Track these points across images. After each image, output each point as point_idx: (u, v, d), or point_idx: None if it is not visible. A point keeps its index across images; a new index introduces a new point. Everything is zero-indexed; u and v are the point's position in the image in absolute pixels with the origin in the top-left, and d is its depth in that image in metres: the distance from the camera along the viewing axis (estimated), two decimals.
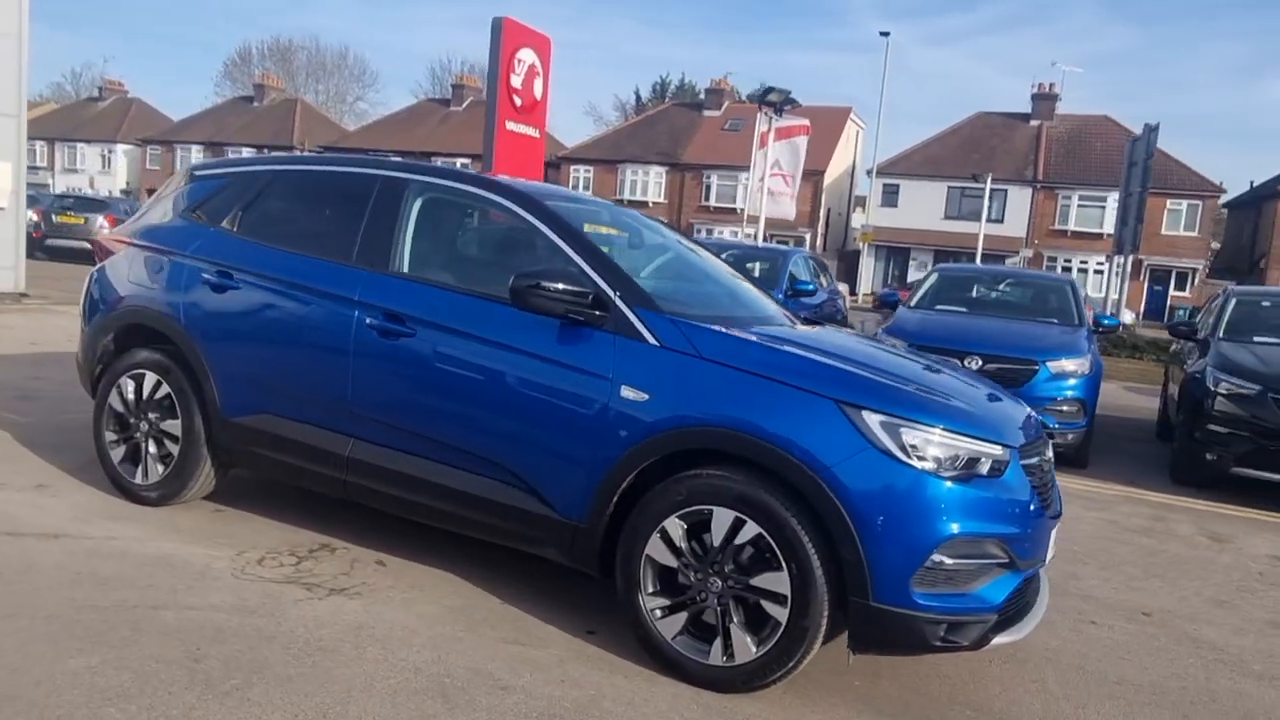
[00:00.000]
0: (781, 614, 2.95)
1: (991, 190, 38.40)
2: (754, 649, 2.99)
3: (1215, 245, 38.19)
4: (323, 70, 73.63)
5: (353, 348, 3.70)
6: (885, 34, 33.34)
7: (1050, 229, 37.07)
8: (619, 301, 3.32)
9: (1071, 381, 7.32)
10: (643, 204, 41.94)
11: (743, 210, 43.38)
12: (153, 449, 4.27)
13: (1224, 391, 6.90)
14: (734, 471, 3.03)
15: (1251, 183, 40.67)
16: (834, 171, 43.41)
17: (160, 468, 4.25)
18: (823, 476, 2.87)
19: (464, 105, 51.65)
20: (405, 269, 3.77)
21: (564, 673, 3.09)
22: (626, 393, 3.18)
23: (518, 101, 21.72)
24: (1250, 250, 36.58)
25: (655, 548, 3.13)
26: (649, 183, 44.63)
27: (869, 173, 40.90)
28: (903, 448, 2.89)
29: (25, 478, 4.56)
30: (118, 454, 4.37)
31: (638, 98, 69.08)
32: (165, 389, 4.20)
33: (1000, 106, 40.82)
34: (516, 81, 21.93)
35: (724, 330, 3.32)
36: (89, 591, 3.34)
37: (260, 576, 3.62)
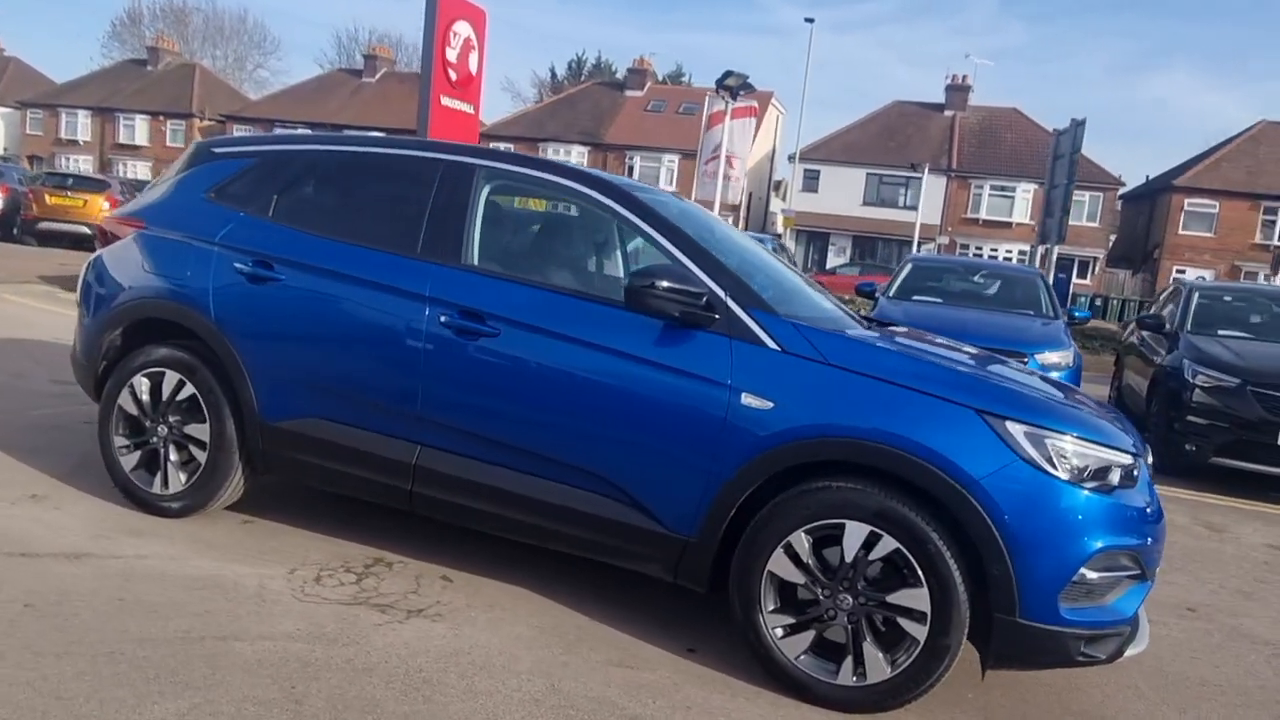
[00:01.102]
0: (920, 632, 2.84)
1: (908, 178, 39.39)
2: (888, 668, 2.88)
3: (1112, 236, 40.06)
4: (220, 35, 69.92)
5: (424, 348, 3.41)
6: (810, 20, 33.63)
7: (963, 217, 38.24)
8: (731, 303, 3.13)
9: (1056, 374, 7.46)
10: None
11: (668, 192, 43.39)
12: (174, 455, 3.87)
13: (1202, 384, 7.15)
14: (867, 484, 2.90)
15: (1147, 176, 42.88)
16: (755, 156, 43.72)
17: (183, 476, 3.86)
18: (972, 491, 2.76)
19: (377, 77, 49.89)
20: (476, 262, 3.49)
21: (684, 698, 2.92)
22: (748, 400, 3.01)
23: (453, 76, 21.04)
24: (1145, 241, 38.56)
25: (779, 563, 2.98)
26: (569, 163, 44.03)
27: (790, 158, 41.34)
28: (1049, 459, 2.81)
29: (14, 488, 4.09)
30: (130, 461, 3.95)
31: (553, 75, 68.12)
32: (189, 389, 3.81)
33: (904, 95, 41.86)
34: (452, 55, 21.24)
35: (847, 334, 3.18)
36: (142, 622, 2.99)
37: (324, 598, 3.32)
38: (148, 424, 3.91)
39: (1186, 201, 35.89)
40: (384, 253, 3.57)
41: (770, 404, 2.98)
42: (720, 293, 3.15)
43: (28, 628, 2.87)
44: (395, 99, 47.95)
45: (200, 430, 3.81)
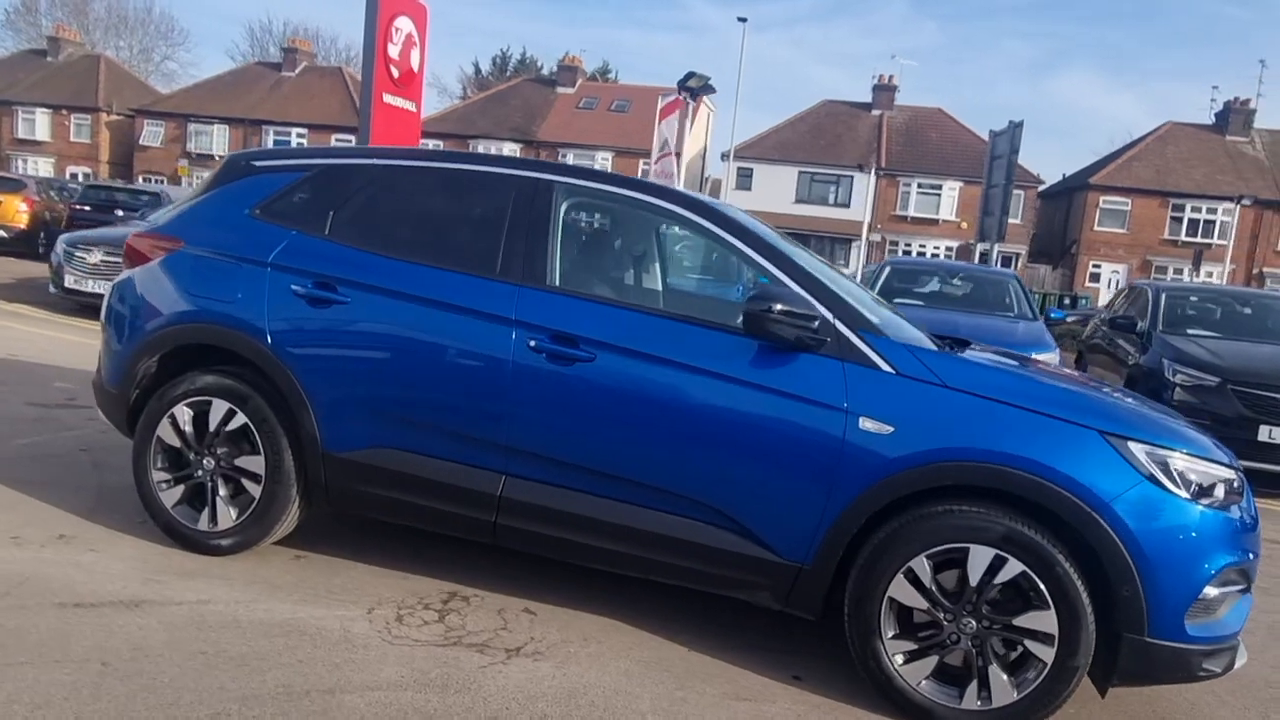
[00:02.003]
0: (1048, 654, 2.84)
1: (839, 176, 40.09)
2: (1015, 692, 2.87)
3: (1032, 233, 41.50)
4: (124, 25, 66.74)
5: (511, 374, 3.26)
6: (743, 19, 33.81)
7: (892, 214, 39.09)
8: (840, 325, 3.08)
9: None
10: None
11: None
12: (222, 489, 3.64)
13: (1183, 383, 7.42)
14: (990, 507, 2.89)
15: (1064, 174, 44.54)
16: (688, 154, 43.92)
17: (233, 511, 3.63)
18: (1102, 514, 2.77)
19: (297, 71, 48.34)
20: (560, 283, 3.36)
21: None
22: (866, 425, 2.96)
23: (395, 73, 20.53)
24: (1063, 237, 40.05)
25: (900, 589, 2.94)
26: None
27: (723, 156, 41.61)
28: (1171, 478, 2.84)
29: (36, 528, 3.78)
30: (171, 496, 3.69)
31: (478, 70, 67.20)
32: (240, 419, 3.57)
33: (820, 94, 42.52)
34: (394, 51, 20.72)
35: (961, 356, 3.16)
36: (236, 676, 2.78)
37: (414, 639, 3.15)
38: (192, 456, 3.66)
39: (1101, 199, 37.40)
40: (461, 274, 3.41)
41: (890, 428, 2.94)
42: (828, 315, 3.09)
43: (114, 691, 2.64)
44: (317, 94, 46.60)
45: (253, 462, 3.58)
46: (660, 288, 3.56)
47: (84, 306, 9.94)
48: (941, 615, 2.92)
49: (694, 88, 13.61)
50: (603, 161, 42.96)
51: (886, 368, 3.02)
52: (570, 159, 43.02)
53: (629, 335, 3.20)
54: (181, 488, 3.69)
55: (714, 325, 3.20)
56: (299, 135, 44.65)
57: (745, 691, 3.06)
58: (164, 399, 3.67)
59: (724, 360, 3.11)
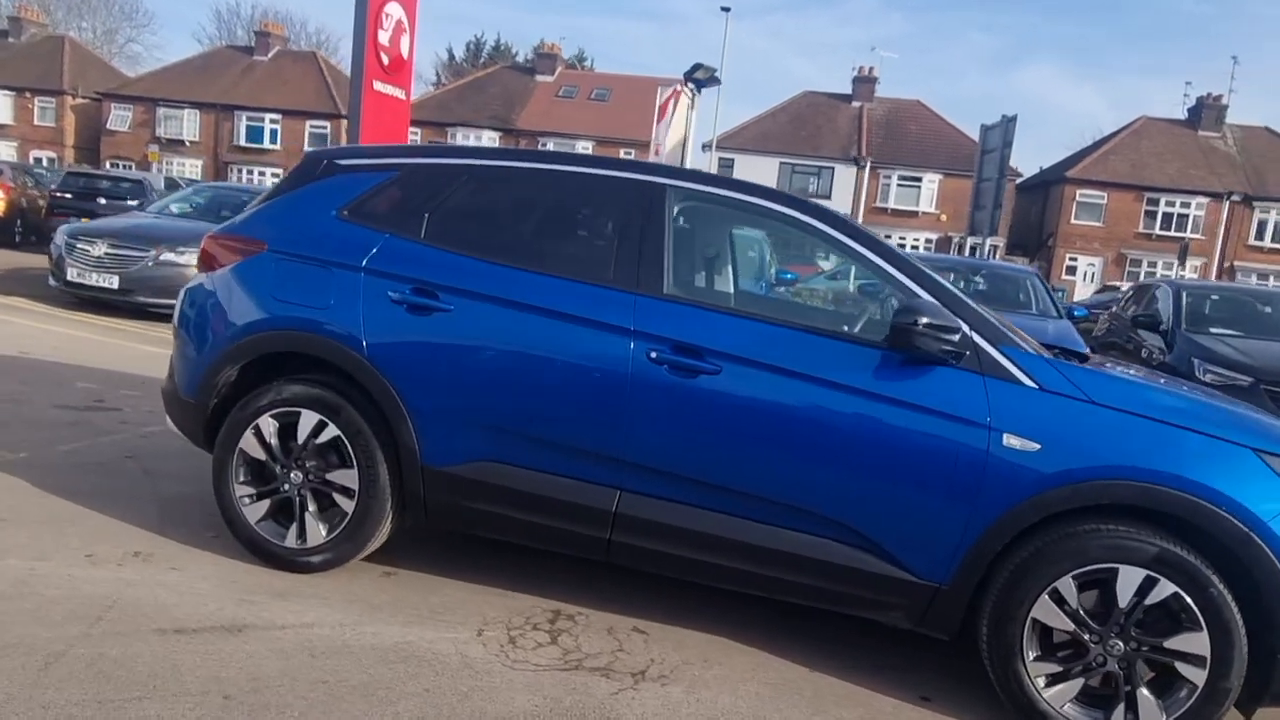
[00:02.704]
0: (1199, 676, 2.78)
1: (820, 168, 40.17)
2: (1164, 715, 2.81)
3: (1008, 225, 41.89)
4: (86, 5, 65.10)
5: (630, 386, 3.13)
6: (726, 9, 33.64)
7: (873, 206, 39.24)
8: (979, 339, 2.99)
9: None
10: None
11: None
12: (311, 504, 3.47)
13: (1212, 381, 7.44)
14: (1140, 527, 2.82)
15: (1040, 167, 45.02)
16: (669, 144, 43.73)
17: (323, 527, 3.47)
18: (1259, 533, 2.71)
19: (270, 55, 47.37)
20: (675, 291, 3.24)
21: None
22: (1011, 442, 2.88)
23: (385, 60, 20.18)
24: (1039, 229, 40.49)
25: (1044, 610, 2.87)
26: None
27: (704, 147, 41.54)
28: None
29: (108, 544, 3.60)
30: (255, 512, 3.53)
31: (451, 56, 66.42)
32: (332, 431, 3.41)
33: (796, 85, 42.53)
34: (384, 38, 20.36)
35: (1105, 370, 3.08)
36: (367, 710, 2.64)
37: (535, 664, 3.02)
38: (278, 470, 3.49)
39: (1078, 193, 37.82)
40: (572, 281, 3.27)
41: (1036, 446, 2.86)
42: (966, 328, 3.00)
43: None
44: (291, 79, 45.75)
45: (346, 476, 3.42)
46: (783, 296, 3.45)
47: (86, 301, 9.62)
48: (1087, 637, 2.85)
49: (700, 79, 13.46)
50: (583, 149, 42.64)
51: (1029, 383, 2.94)
52: (550, 147, 42.75)
53: (755, 346, 3.09)
54: (267, 503, 3.52)
55: (842, 336, 3.10)
56: (273, 121, 43.84)
57: (880, 715, 2.98)
58: (247, 410, 3.50)
59: (858, 373, 3.01)
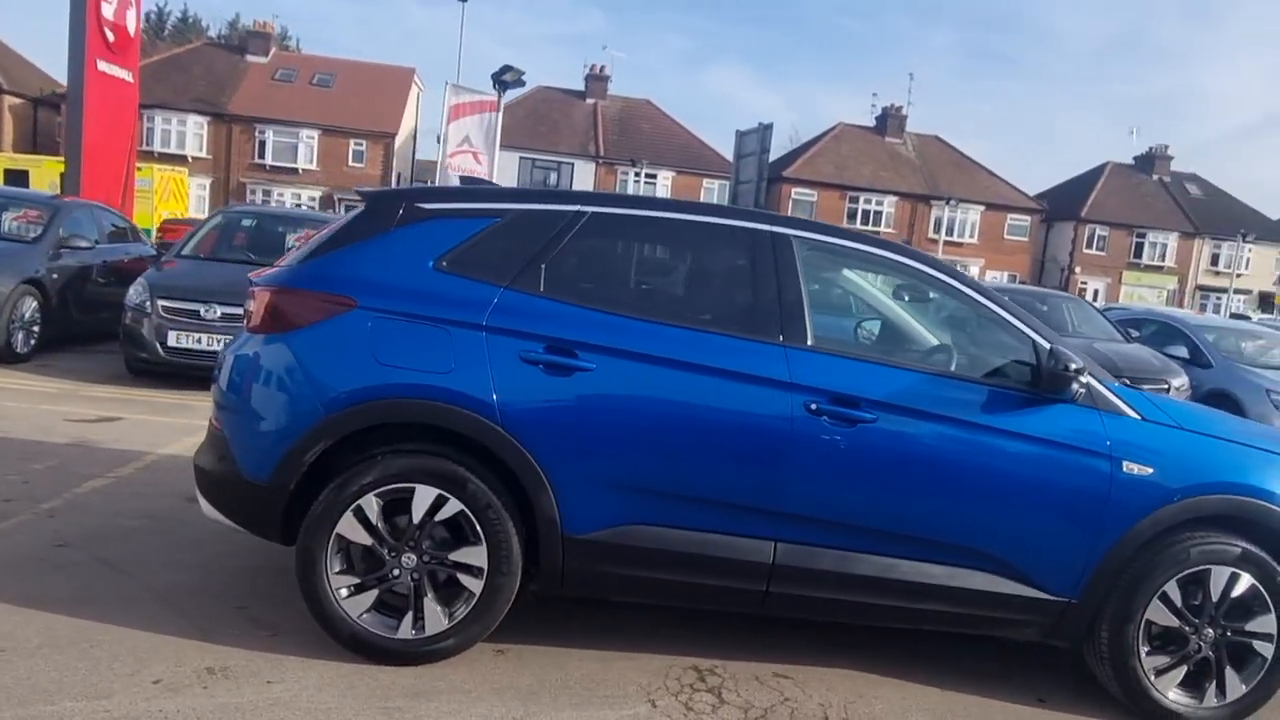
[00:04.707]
0: (1269, 650, 3.35)
1: (559, 163, 40.67)
2: (1244, 686, 3.35)
3: None
4: None
5: (789, 439, 3.16)
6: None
7: None
8: (1090, 379, 3.35)
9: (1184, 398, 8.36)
10: (181, 158, 36.36)
11: (305, 170, 40.02)
12: (429, 589, 3.13)
13: None
14: (1226, 533, 3.33)
15: None
16: (401, 135, 42.11)
17: (443, 611, 3.14)
18: None
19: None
20: (815, 342, 3.29)
21: None
22: (1129, 469, 3.27)
23: (110, 37, 17.87)
24: None
25: (1156, 612, 3.31)
26: (187, 134, 38.61)
27: (439, 139, 40.49)
28: None
29: (161, 664, 3.01)
30: (358, 604, 3.12)
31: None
32: (455, 506, 3.10)
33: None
34: (109, 11, 18.00)
35: (1178, 400, 3.56)
36: None
37: None
38: (387, 555, 3.11)
39: (793, 191, 41.50)
40: (715, 334, 3.22)
41: (1150, 470, 3.28)
42: (1075, 366, 3.35)
43: None
44: None
45: (473, 554, 3.13)
46: (910, 343, 3.60)
47: None
48: (1188, 630, 3.33)
49: (509, 81, 13.20)
50: (308, 140, 39.88)
51: (1134, 414, 3.35)
52: (270, 136, 39.51)
53: (903, 393, 3.24)
54: (372, 593, 3.12)
55: (977, 380, 3.33)
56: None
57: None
58: (347, 489, 3.08)
59: (997, 414, 3.26)
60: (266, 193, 39.35)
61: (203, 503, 3.35)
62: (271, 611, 3.48)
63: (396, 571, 3.12)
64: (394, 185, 41.95)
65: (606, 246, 3.38)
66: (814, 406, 3.17)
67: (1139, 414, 3.36)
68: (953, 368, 3.44)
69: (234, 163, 39.45)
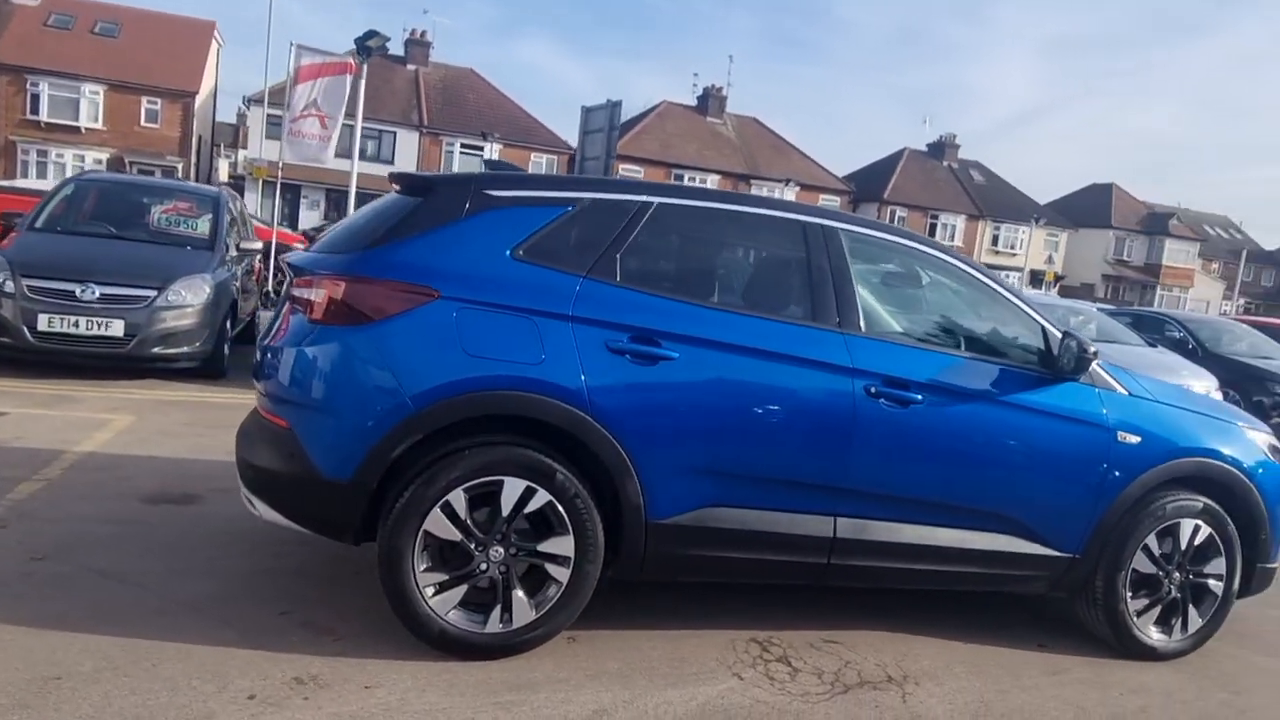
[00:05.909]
0: (1220, 588, 3.94)
1: (381, 131, 38.98)
2: (1199, 621, 3.94)
3: None
4: None
5: (852, 419, 3.37)
6: None
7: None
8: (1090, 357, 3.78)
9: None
10: None
11: (88, 130, 36.10)
12: (516, 580, 3.11)
13: None
14: (1193, 493, 3.86)
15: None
16: (202, 94, 38.81)
17: (530, 601, 3.13)
18: (1254, 481, 3.91)
19: None
20: (871, 329, 3.52)
21: (1115, 679, 3.62)
22: (1123, 437, 3.73)
23: None
24: None
25: (1140, 562, 3.81)
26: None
27: (248, 100, 37.70)
28: (1275, 451, 4.09)
29: (245, 678, 2.84)
30: (447, 600, 3.06)
31: None
32: (544, 497, 3.08)
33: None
34: None
35: (1150, 376, 4.05)
36: None
37: (815, 693, 3.18)
38: (475, 549, 3.06)
39: (621, 168, 41.86)
40: (782, 322, 3.38)
41: (1138, 438, 3.75)
42: (1096, 351, 3.77)
43: None
44: None
45: (560, 544, 3.13)
46: (943, 326, 3.86)
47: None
48: (1161, 575, 3.85)
49: (373, 48, 12.57)
50: (91, 95, 36.00)
51: (1122, 390, 3.81)
52: (44, 89, 35.37)
53: (944, 375, 3.53)
54: (461, 588, 3.07)
55: (1002, 362, 3.67)
56: None
57: (1049, 668, 3.68)
58: (434, 485, 3.00)
59: (1021, 393, 3.62)
60: (42, 153, 35.28)
61: (259, 505, 3.14)
62: (321, 615, 3.33)
63: (484, 565, 3.08)
64: (194, 147, 38.76)
65: (674, 237, 3.44)
66: (872, 389, 3.40)
67: (1125, 389, 3.83)
68: (980, 351, 3.76)
69: (3, 119, 35.03)
